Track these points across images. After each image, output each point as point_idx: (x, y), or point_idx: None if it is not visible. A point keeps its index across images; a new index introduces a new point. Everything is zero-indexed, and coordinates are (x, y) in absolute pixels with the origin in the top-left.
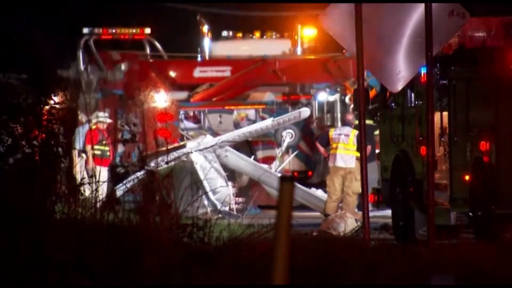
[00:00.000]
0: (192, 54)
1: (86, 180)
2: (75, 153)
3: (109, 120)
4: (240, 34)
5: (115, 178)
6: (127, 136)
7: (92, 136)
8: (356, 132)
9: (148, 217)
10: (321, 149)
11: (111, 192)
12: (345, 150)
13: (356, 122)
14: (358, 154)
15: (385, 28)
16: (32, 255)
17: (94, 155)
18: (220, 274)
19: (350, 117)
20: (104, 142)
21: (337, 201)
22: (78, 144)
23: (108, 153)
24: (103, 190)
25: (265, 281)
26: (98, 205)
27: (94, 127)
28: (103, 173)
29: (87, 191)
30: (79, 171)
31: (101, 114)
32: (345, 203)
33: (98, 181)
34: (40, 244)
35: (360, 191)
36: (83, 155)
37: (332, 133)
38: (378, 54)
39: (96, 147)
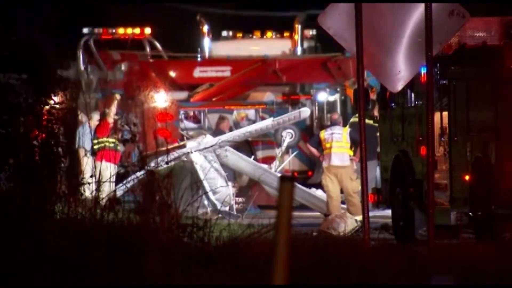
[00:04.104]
0: (192, 54)
1: (87, 179)
2: (81, 152)
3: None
4: (240, 34)
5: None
6: (127, 136)
7: (103, 128)
8: (347, 129)
9: (148, 217)
10: (313, 150)
11: (112, 192)
12: (339, 148)
13: (356, 119)
14: (352, 153)
15: (385, 28)
16: (32, 255)
17: (102, 148)
18: (220, 274)
19: (335, 116)
20: (115, 136)
21: (338, 199)
22: (78, 144)
23: (118, 147)
24: (109, 188)
25: (265, 281)
26: (99, 204)
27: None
28: (112, 170)
29: (92, 189)
30: (83, 169)
31: (108, 110)
32: (350, 204)
33: (99, 180)
34: (40, 244)
35: (358, 189)
36: (87, 154)
37: (324, 134)
38: (378, 54)
39: (109, 139)
